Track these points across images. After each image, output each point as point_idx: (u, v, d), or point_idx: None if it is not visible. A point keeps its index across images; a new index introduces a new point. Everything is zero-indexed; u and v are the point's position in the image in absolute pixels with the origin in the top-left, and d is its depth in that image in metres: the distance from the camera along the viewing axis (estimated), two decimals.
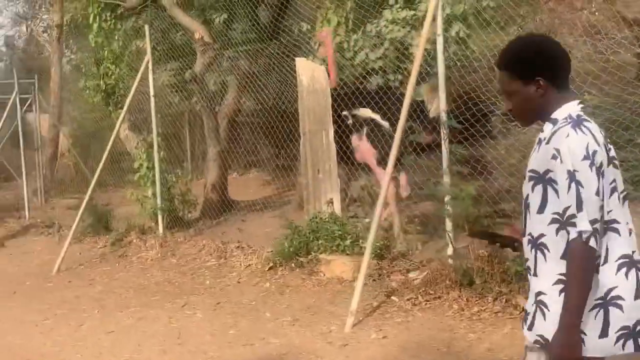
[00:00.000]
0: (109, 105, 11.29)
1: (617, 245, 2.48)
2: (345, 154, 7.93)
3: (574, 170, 2.41)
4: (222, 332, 6.28)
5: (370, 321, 5.99)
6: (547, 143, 2.52)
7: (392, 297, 6.36)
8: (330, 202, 7.70)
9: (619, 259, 2.48)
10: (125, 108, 9.79)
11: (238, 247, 8.91)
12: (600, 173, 2.42)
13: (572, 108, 2.56)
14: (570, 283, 2.43)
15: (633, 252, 2.51)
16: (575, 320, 2.41)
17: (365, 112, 7.86)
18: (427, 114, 7.58)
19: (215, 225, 10.91)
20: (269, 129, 10.45)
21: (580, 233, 2.39)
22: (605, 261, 2.47)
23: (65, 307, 7.73)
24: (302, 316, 6.38)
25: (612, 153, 2.55)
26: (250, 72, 10.97)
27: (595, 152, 2.42)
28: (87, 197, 10.20)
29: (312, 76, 7.77)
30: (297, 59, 8.17)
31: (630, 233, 2.54)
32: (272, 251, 8.12)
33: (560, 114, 2.56)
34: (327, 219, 7.57)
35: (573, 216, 2.41)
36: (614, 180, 2.51)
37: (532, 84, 2.58)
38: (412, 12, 8.23)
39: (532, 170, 2.57)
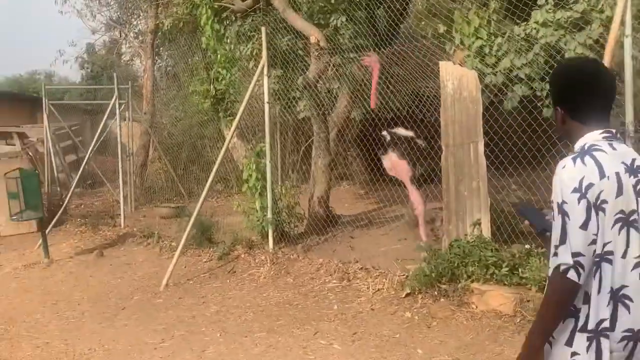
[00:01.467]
0: (219, 112, 10.74)
1: (608, 277, 2.49)
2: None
3: (563, 202, 2.47)
4: None
5: None
6: None
7: None
8: (478, 223, 6.91)
9: (610, 291, 2.49)
10: (239, 114, 9.19)
11: (361, 268, 8.19)
12: (593, 206, 2.44)
13: (591, 137, 2.59)
14: (541, 311, 2.57)
15: (623, 286, 2.51)
16: (536, 343, 2.54)
17: (402, 131, 8.47)
18: None
19: (323, 242, 10.24)
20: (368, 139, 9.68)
21: (559, 265, 2.45)
22: (598, 292, 2.49)
23: (182, 329, 7.14)
24: (462, 356, 5.60)
25: None
26: (364, 79, 10.31)
27: (590, 185, 2.45)
28: (197, 209, 9.61)
29: (459, 82, 7.01)
30: (442, 62, 7.43)
31: (635, 267, 2.52)
32: (406, 275, 7.38)
33: (579, 143, 2.61)
34: (474, 243, 6.77)
35: (557, 247, 2.48)
36: (623, 212, 2.49)
37: (556, 110, 2.72)
38: (568, 14, 7.39)
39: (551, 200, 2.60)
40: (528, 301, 5.98)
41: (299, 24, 10.33)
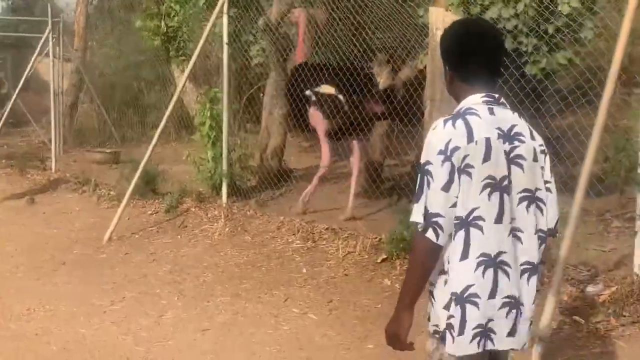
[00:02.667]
0: (169, 51, 9.82)
1: (478, 243, 2.46)
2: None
3: (427, 162, 2.46)
4: (357, 346, 5.00)
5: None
6: None
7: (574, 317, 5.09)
8: None
9: (479, 257, 2.46)
10: (195, 55, 8.36)
11: (327, 228, 7.59)
12: (457, 170, 2.43)
13: (471, 100, 2.57)
14: (407, 271, 2.59)
15: (500, 252, 2.47)
16: (405, 304, 2.52)
17: (327, 89, 8.24)
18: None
19: (277, 197, 9.61)
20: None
21: (416, 224, 2.47)
22: (465, 257, 2.47)
23: (133, 289, 6.44)
24: None
25: (520, 152, 2.53)
26: (328, 22, 9.62)
27: (456, 148, 2.43)
28: (146, 157, 8.78)
29: None
30: (431, 8, 6.78)
31: (510, 234, 2.50)
32: (379, 239, 6.84)
33: (459, 106, 2.61)
34: None
35: (412, 205, 2.52)
36: (493, 178, 2.47)
37: (446, 71, 2.71)
38: None
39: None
40: None
41: None
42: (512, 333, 2.52)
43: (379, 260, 6.52)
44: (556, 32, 7.21)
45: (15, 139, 17.68)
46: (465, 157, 2.44)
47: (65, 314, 5.87)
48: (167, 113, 8.64)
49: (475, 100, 2.57)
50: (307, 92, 8.44)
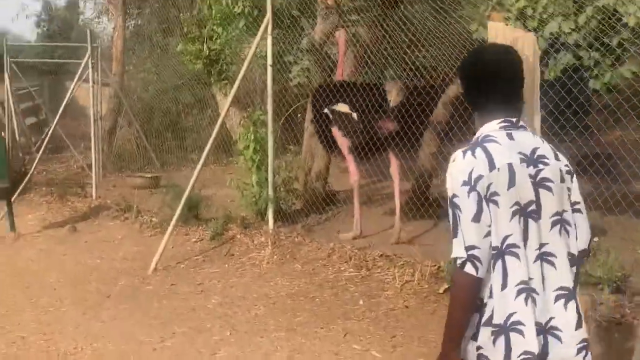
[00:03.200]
0: (211, 75, 9.59)
1: (516, 271, 2.41)
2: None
3: (454, 196, 2.45)
4: None
5: None
6: None
7: None
8: None
9: (518, 284, 2.41)
10: (240, 77, 8.11)
11: (381, 255, 7.27)
12: (483, 198, 2.40)
13: (488, 128, 2.55)
14: (449, 308, 2.50)
15: (530, 278, 2.43)
16: (450, 343, 2.47)
17: (342, 107, 8.35)
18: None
19: (324, 222, 9.32)
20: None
21: (455, 259, 2.43)
22: (505, 286, 2.42)
23: (183, 324, 6.15)
24: None
25: (546, 174, 2.50)
26: (373, 42, 9.36)
27: (480, 177, 2.41)
28: (191, 182, 8.53)
29: (512, 45, 6.05)
30: (490, 22, 6.46)
31: (539, 259, 2.46)
32: (438, 266, 6.49)
33: (478, 133, 2.59)
34: None
35: (452, 241, 2.45)
36: (519, 204, 2.43)
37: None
38: None
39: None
40: (601, 304, 5.12)
41: None
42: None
43: (441, 291, 6.18)
44: (618, 46, 6.85)
45: (53, 165, 17.60)
46: (489, 185, 2.42)
47: (114, 353, 5.60)
48: (213, 136, 8.36)
49: (492, 127, 2.54)
50: (325, 111, 8.55)
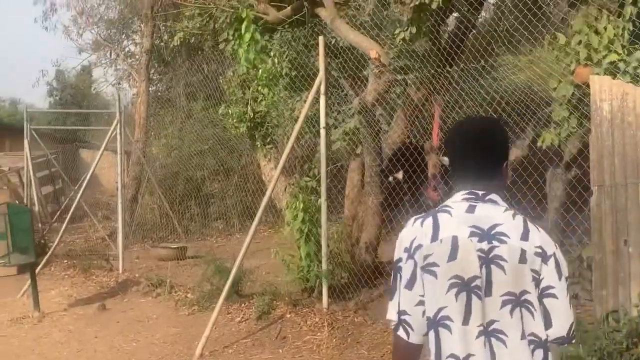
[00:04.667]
0: (255, 139, 8.91)
1: (448, 344, 2.39)
2: None
3: (398, 259, 2.49)
4: None
5: None
6: None
7: None
8: None
9: (448, 357, 2.39)
10: (291, 141, 7.42)
11: None
12: (419, 268, 2.43)
13: (453, 198, 2.57)
14: None
15: (469, 354, 2.36)
16: None
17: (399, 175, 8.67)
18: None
19: (378, 298, 8.48)
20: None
21: (389, 321, 2.49)
22: (438, 358, 2.41)
23: None
24: None
25: (500, 252, 2.42)
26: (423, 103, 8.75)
27: (419, 246, 2.45)
28: (240, 257, 7.72)
29: (621, 103, 5.36)
30: (594, 77, 5.79)
31: (482, 336, 2.38)
32: None
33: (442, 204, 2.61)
34: None
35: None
36: (459, 277, 2.40)
37: None
38: None
39: None
40: None
41: (353, 36, 8.65)
42: None
43: None
44: None
45: (71, 235, 16.88)
46: (427, 256, 2.43)
47: None
48: (263, 205, 7.58)
49: (455, 198, 2.56)
50: (390, 179, 8.77)
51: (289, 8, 9.40)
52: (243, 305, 8.48)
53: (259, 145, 8.76)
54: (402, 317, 2.44)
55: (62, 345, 7.81)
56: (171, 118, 16.76)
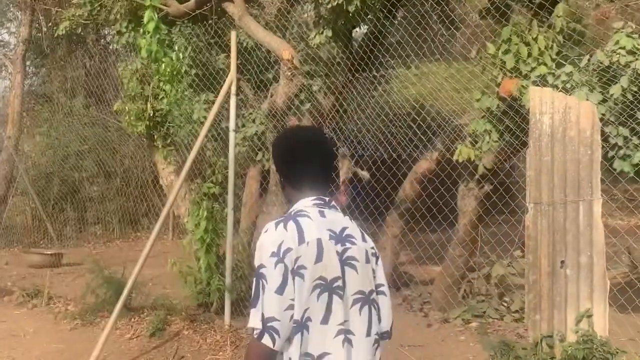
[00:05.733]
0: (154, 140, 8.18)
1: (306, 344, 2.44)
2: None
3: (261, 266, 2.46)
4: None
5: None
6: None
7: None
8: (588, 315, 4.98)
9: (302, 356, 2.44)
10: (198, 143, 6.80)
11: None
12: (290, 272, 2.42)
13: (302, 204, 2.61)
14: None
15: (324, 353, 2.44)
16: None
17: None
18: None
19: None
20: None
21: (252, 330, 2.42)
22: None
23: None
24: None
25: (352, 253, 2.55)
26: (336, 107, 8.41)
27: (289, 249, 2.44)
28: (138, 266, 6.97)
29: (563, 116, 5.13)
30: (533, 88, 5.55)
31: (340, 335, 2.46)
32: None
33: (291, 209, 2.65)
34: (584, 344, 4.81)
35: (251, 311, 2.45)
36: (323, 279, 2.45)
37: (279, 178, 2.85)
38: None
39: None
40: None
41: (262, 35, 8.16)
42: None
43: None
44: None
45: None
46: (297, 258, 2.44)
47: None
48: (165, 210, 6.90)
49: (306, 203, 2.60)
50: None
51: (192, 1, 8.79)
52: (133, 320, 7.76)
53: (158, 146, 8.06)
54: (269, 324, 2.38)
55: None
56: (47, 115, 15.58)
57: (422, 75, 8.41)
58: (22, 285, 9.69)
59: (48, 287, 9.29)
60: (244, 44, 9.47)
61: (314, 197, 2.61)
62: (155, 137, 8.10)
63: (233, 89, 7.11)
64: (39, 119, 16.05)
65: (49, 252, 12.35)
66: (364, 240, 2.64)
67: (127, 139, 14.70)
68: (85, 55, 16.11)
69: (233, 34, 7.16)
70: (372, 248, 2.66)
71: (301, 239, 2.46)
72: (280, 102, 7.93)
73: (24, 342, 7.51)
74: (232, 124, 7.12)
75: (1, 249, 13.61)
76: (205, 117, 8.20)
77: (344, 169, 9.21)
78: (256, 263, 2.49)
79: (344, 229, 2.58)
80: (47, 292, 8.96)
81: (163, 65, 7.45)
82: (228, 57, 9.39)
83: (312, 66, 8.27)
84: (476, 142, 6.98)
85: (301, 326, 2.43)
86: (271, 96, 8.22)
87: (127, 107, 7.79)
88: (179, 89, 7.54)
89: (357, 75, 8.53)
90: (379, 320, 2.62)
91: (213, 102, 8.35)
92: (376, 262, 2.66)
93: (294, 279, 2.42)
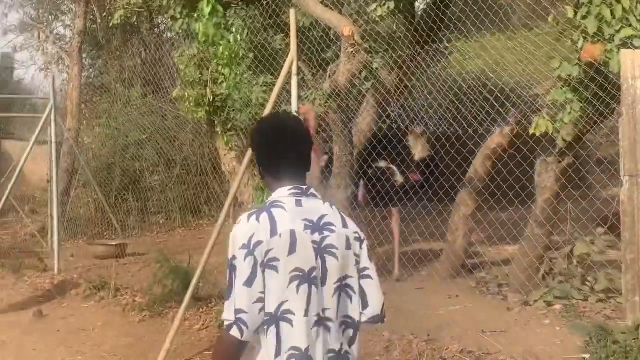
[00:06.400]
0: (215, 126, 7.97)
1: (289, 337, 2.43)
2: None
3: (233, 257, 2.46)
4: None
5: None
6: None
7: None
8: None
9: (289, 350, 2.42)
10: None
11: (462, 351, 5.73)
12: (260, 264, 2.41)
13: (279, 194, 2.60)
14: None
15: (309, 346, 2.43)
16: None
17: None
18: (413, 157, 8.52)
19: None
20: None
21: (223, 321, 2.46)
22: (278, 354, 2.44)
23: None
24: None
25: (331, 241, 2.53)
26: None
27: (259, 242, 2.43)
28: (205, 255, 6.75)
29: None
30: (623, 51, 5.14)
31: (317, 326, 2.45)
32: None
33: (268, 199, 2.63)
34: None
35: (224, 303, 2.49)
36: (301, 270, 2.44)
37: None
38: None
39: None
40: None
41: (321, 12, 7.86)
42: None
43: None
44: None
45: None
46: (269, 251, 2.43)
47: None
48: (230, 199, 6.66)
49: (282, 193, 2.59)
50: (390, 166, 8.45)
51: None
52: (201, 310, 7.63)
53: (219, 132, 7.83)
54: (238, 315, 2.38)
55: None
56: (106, 106, 15.57)
57: (491, 45, 7.99)
58: (89, 278, 9.64)
59: (114, 278, 9.22)
60: (300, 24, 9.18)
61: (291, 187, 2.58)
62: (216, 122, 7.87)
63: (294, 68, 6.81)
64: (97, 110, 16.06)
65: (113, 243, 12.33)
66: (344, 226, 2.60)
67: (185, 127, 14.59)
68: (141, 44, 16.05)
69: (292, 12, 6.86)
70: (355, 233, 2.62)
71: (273, 231, 2.45)
72: (343, 80, 7.61)
73: (93, 336, 7.43)
74: (294, 105, 6.83)
75: (66, 241, 13.61)
76: (265, 100, 7.97)
77: (419, 147, 8.89)
78: (229, 254, 2.48)
79: (322, 217, 2.56)
80: (113, 283, 8.87)
81: (221, 49, 7.20)
82: (285, 37, 9.15)
83: (372, 43, 7.93)
84: (555, 113, 6.57)
85: (276, 318, 2.42)
86: (329, 76, 7.91)
87: (186, 94, 7.57)
88: (238, 72, 7.28)
89: (423, 47, 8.16)
90: (366, 304, 2.59)
91: (272, 85, 8.11)
92: (360, 247, 2.62)
93: (264, 271, 2.42)
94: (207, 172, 14.44)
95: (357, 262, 2.60)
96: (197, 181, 14.69)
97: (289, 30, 6.74)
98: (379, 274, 2.67)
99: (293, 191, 2.58)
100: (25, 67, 24.30)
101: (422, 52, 8.22)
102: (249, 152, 6.81)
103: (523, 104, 7.64)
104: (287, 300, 2.43)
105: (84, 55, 16.98)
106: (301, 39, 9.11)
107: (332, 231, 2.55)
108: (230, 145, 7.85)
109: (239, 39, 7.43)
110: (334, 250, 2.52)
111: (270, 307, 2.43)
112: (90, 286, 9.12)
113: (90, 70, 18.61)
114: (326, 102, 8.11)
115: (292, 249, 2.45)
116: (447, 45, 8.55)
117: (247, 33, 8.36)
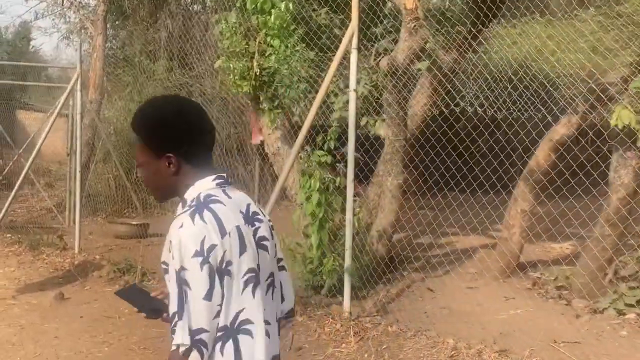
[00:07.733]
0: (260, 102, 7.30)
1: (250, 352, 2.13)
2: None
3: (182, 269, 2.07)
4: None
5: None
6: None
7: None
8: None
9: None
10: (315, 106, 5.91)
11: (500, 352, 5.12)
12: (217, 271, 2.07)
13: (204, 185, 2.23)
14: None
15: (273, 357, 2.22)
16: None
17: None
18: None
19: (398, 297, 7.20)
20: None
21: (178, 346, 2.05)
22: None
23: None
24: None
25: (262, 232, 2.28)
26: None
27: (213, 246, 2.08)
28: None
29: None
30: None
31: (271, 330, 2.21)
32: None
33: (191, 193, 2.23)
34: None
35: (175, 323, 2.06)
36: (253, 270, 2.17)
37: (164, 159, 2.23)
38: None
39: (163, 262, 2.17)
40: None
41: None
42: None
43: None
44: None
45: (12, 205, 14.98)
46: (224, 254, 2.10)
47: None
48: (279, 183, 6.05)
49: (208, 185, 2.23)
50: None
51: None
52: None
53: (265, 109, 7.18)
54: (198, 336, 2.04)
55: (13, 346, 6.18)
56: (130, 78, 14.92)
57: (556, 26, 7.30)
58: (111, 259, 9.06)
59: (135, 259, 8.66)
60: None
61: (214, 176, 2.25)
62: (262, 98, 7.22)
63: (354, 42, 6.18)
64: (120, 83, 15.41)
65: (135, 223, 11.76)
66: (264, 214, 2.38)
67: (212, 104, 13.95)
68: (168, 17, 15.39)
69: None
70: (270, 220, 2.40)
71: (222, 231, 2.12)
72: (402, 58, 6.95)
73: (120, 325, 6.82)
74: (352, 83, 6.20)
75: (85, 218, 13.03)
76: (312, 77, 7.34)
77: None
78: (176, 266, 2.07)
79: (248, 206, 2.30)
80: (140, 267, 8.27)
81: (272, 18, 6.54)
82: (329, 11, 8.51)
83: (430, 19, 7.28)
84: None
85: (234, 332, 2.12)
86: (377, 53, 7.26)
87: (231, 65, 6.93)
88: (289, 44, 6.62)
89: (486, 26, 7.50)
90: (282, 298, 2.42)
91: (315, 62, 7.49)
92: (275, 235, 2.40)
93: (222, 279, 2.10)
94: (231, 152, 13.80)
95: (276, 253, 2.39)
96: (221, 161, 14.07)
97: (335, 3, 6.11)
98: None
99: (217, 181, 2.25)
100: (47, 34, 23.57)
101: (486, 30, 7.57)
102: (303, 131, 6.19)
103: (591, 93, 6.96)
104: (243, 309, 2.15)
105: (108, 26, 16.32)
106: (347, 13, 8.48)
107: (261, 221, 2.31)
108: (275, 124, 7.20)
109: (291, 7, 6.77)
110: (265, 243, 2.29)
111: (226, 320, 2.12)
112: (114, 268, 8.54)
113: (113, 41, 17.97)
114: (373, 84, 7.47)
115: (242, 248, 2.16)
116: (508, 25, 7.85)
117: (297, 5, 7.71)
